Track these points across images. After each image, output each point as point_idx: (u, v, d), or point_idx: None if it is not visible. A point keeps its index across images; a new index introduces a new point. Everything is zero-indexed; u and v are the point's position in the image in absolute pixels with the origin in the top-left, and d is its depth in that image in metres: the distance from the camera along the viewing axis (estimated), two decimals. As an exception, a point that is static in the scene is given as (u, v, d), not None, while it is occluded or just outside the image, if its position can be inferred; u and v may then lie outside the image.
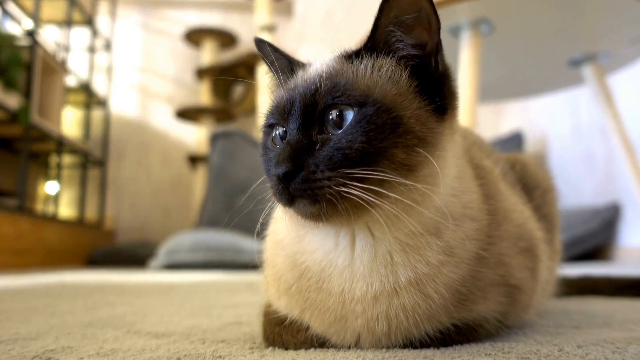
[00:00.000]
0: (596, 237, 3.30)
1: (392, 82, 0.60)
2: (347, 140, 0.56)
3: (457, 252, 0.61)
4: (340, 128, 0.57)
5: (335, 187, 0.54)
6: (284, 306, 0.67)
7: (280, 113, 0.62)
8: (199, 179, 4.56)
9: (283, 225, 0.67)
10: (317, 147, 0.57)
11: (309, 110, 0.59)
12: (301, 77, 0.64)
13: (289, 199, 0.56)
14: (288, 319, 0.66)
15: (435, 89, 0.60)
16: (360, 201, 0.54)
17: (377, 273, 0.59)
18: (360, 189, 0.54)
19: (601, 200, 3.49)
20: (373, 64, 0.61)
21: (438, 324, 0.62)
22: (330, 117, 0.58)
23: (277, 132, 0.63)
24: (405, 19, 0.59)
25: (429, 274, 0.59)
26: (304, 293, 0.63)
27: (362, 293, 0.60)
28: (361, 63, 0.61)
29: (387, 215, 0.56)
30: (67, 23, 4.15)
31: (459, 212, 0.62)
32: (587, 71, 2.25)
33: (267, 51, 0.69)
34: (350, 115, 0.57)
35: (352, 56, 0.63)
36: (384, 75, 0.60)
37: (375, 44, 0.62)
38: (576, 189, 3.76)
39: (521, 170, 0.92)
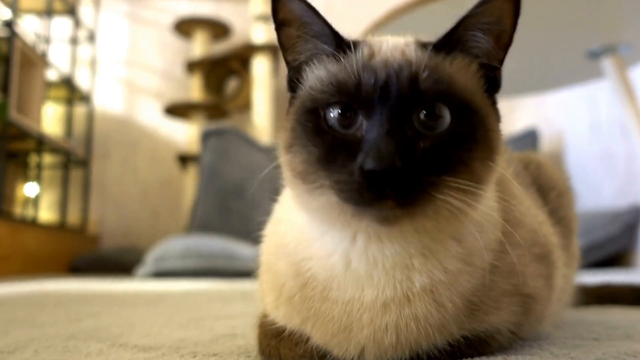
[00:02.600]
0: (616, 242, 3.30)
1: (479, 87, 0.63)
2: (449, 144, 0.57)
3: (475, 260, 0.62)
4: (432, 127, 0.57)
5: (434, 194, 0.55)
6: (282, 316, 0.67)
7: (357, 95, 0.58)
8: (190, 180, 4.56)
9: (290, 227, 0.66)
10: (420, 147, 0.56)
11: (405, 100, 0.57)
12: (380, 57, 0.61)
13: (376, 198, 0.54)
14: (287, 331, 0.66)
15: (493, 103, 0.65)
16: (450, 211, 0.56)
17: (392, 278, 0.60)
18: (459, 199, 0.55)
19: (622, 203, 3.49)
20: (461, 63, 0.62)
21: (448, 335, 0.62)
22: (428, 113, 0.57)
23: (351, 116, 0.58)
24: (489, 28, 0.62)
25: (445, 282, 0.60)
26: (308, 302, 0.63)
27: (372, 300, 0.60)
28: (447, 58, 0.61)
29: (445, 222, 0.59)
30: (48, 13, 4.15)
31: (484, 219, 0.64)
32: (607, 64, 2.26)
33: (299, 7, 0.62)
34: (447, 115, 0.58)
35: (431, 48, 0.62)
36: (473, 78, 0.63)
37: (455, 43, 0.62)
38: (595, 191, 3.77)
39: (536, 171, 0.92)
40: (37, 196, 4.17)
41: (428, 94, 0.58)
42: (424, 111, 0.57)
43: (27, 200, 4.24)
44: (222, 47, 4.89)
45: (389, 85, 0.57)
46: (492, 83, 0.64)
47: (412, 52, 0.61)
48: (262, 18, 4.47)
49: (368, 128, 0.57)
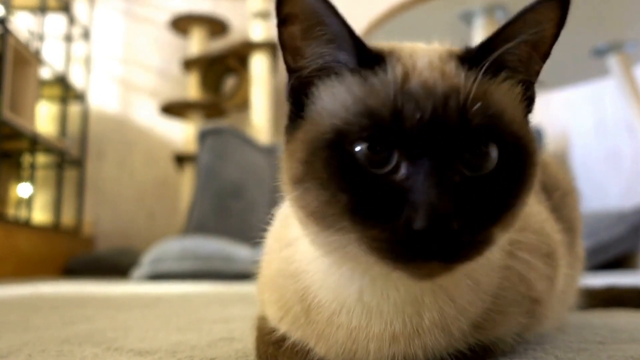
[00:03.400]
0: (622, 243, 3.30)
1: (523, 113, 0.57)
2: (496, 189, 0.51)
3: (483, 286, 0.61)
4: (478, 169, 0.50)
5: (483, 249, 0.50)
6: (284, 329, 0.65)
7: (395, 130, 0.49)
8: (187, 181, 4.56)
9: (298, 255, 0.62)
10: (470, 197, 0.49)
11: (453, 140, 0.49)
12: (418, 80, 0.51)
13: (422, 259, 0.48)
14: (289, 341, 0.65)
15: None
16: (473, 259, 0.51)
17: (402, 312, 0.57)
18: (490, 247, 0.51)
19: (628, 203, 3.49)
20: (507, 86, 0.55)
21: (454, 351, 0.62)
22: (475, 153, 0.50)
23: (382, 153, 0.50)
24: (530, 38, 0.55)
25: (454, 315, 0.59)
26: (313, 325, 0.61)
27: (380, 331, 0.58)
28: (494, 80, 0.54)
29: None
30: (42, 9, 4.15)
31: None
32: (613, 62, 2.26)
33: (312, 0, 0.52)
34: (495, 153, 0.51)
35: (477, 68, 0.53)
36: (518, 103, 0.56)
37: (499, 60, 0.54)
38: (600, 191, 3.77)
39: (539, 170, 0.92)
40: (31, 197, 4.17)
41: (479, 131, 0.50)
42: (472, 151, 0.50)
43: (20, 201, 4.24)
44: (219, 45, 4.89)
45: (437, 122, 0.49)
46: (528, 102, 0.58)
47: (455, 73, 0.52)
48: (260, 15, 4.47)
49: (411, 174, 0.49)
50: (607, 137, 3.70)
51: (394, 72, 0.52)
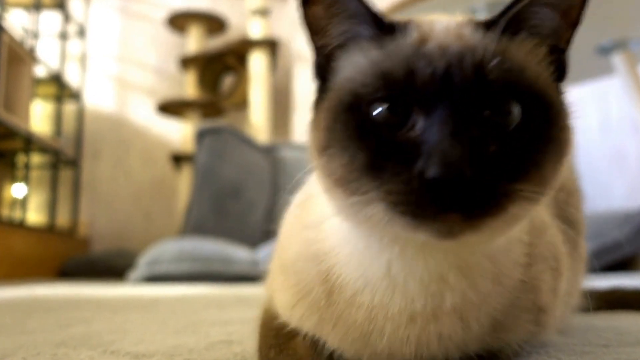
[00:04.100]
0: (628, 244, 3.29)
1: (549, 75, 0.57)
2: (520, 145, 0.51)
3: (505, 280, 0.60)
4: (500, 125, 0.51)
5: (507, 206, 0.49)
6: (298, 317, 0.64)
7: (410, 88, 0.51)
8: (184, 181, 4.56)
9: (325, 234, 0.62)
10: (489, 149, 0.49)
11: (470, 94, 0.50)
12: (435, 42, 0.53)
13: (440, 211, 0.48)
14: (300, 335, 0.64)
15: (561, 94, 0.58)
16: (511, 225, 0.52)
17: (426, 290, 0.57)
18: (526, 211, 0.51)
19: (634, 203, 3.49)
20: (529, 46, 0.56)
21: (465, 352, 0.61)
22: (496, 109, 0.51)
23: (401, 114, 0.51)
24: (557, 2, 0.55)
25: (475, 303, 0.58)
26: (332, 307, 0.61)
27: (399, 310, 0.58)
28: (514, 40, 0.55)
29: (498, 236, 0.56)
30: (36, 6, 4.15)
31: (514, 234, 0.61)
32: (618, 60, 2.26)
33: None
34: (517, 110, 0.51)
35: (495, 29, 0.54)
36: (543, 65, 0.56)
37: (519, 22, 0.55)
38: (605, 191, 3.77)
39: None
40: (25, 197, 4.17)
41: (497, 86, 0.51)
42: (491, 107, 0.51)
43: (14, 202, 4.24)
44: (217, 43, 4.89)
45: (451, 76, 0.50)
46: (559, 70, 0.58)
47: (472, 35, 0.54)
48: (259, 12, 4.47)
49: (426, 127, 0.50)
50: (611, 137, 3.70)
51: (410, 37, 0.54)
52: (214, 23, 4.83)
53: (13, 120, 3.54)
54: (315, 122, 0.57)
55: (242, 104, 4.73)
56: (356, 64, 0.56)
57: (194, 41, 4.75)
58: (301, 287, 0.64)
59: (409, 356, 0.60)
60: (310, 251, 0.64)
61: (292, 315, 0.65)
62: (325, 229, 0.63)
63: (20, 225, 3.76)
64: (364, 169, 0.51)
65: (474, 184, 0.47)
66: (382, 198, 0.49)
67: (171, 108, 4.69)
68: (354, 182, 0.51)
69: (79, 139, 4.78)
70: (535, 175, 0.51)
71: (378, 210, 0.50)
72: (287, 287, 0.66)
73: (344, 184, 0.52)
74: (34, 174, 4.52)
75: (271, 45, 4.42)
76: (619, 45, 2.19)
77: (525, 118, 0.51)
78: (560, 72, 0.58)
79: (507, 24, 0.54)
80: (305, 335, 0.64)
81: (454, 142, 0.47)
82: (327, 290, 0.61)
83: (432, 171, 0.46)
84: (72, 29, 4.73)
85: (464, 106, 0.50)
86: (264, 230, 3.55)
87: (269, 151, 4.07)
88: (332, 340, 0.62)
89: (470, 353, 0.62)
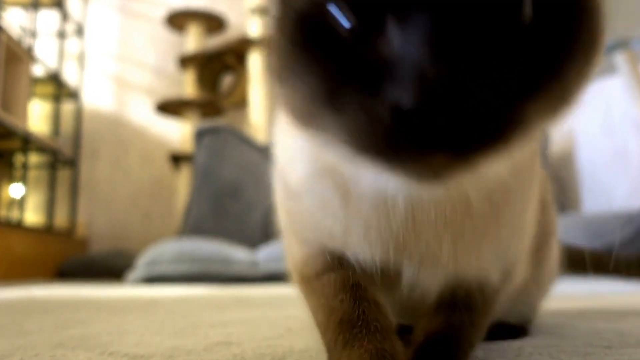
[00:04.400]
0: (631, 245, 3.30)
1: None
2: (532, 45, 0.36)
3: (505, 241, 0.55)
4: (504, 20, 0.35)
5: (507, 131, 0.36)
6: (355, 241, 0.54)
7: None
8: (183, 181, 4.56)
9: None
10: (485, 56, 0.35)
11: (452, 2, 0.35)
12: None
13: (418, 151, 0.35)
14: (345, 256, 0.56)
15: None
16: (497, 148, 0.39)
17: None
18: (522, 136, 0.38)
19: (636, 203, 3.49)
20: None
21: (486, 277, 0.57)
22: (483, 19, 0.35)
23: (369, 22, 0.36)
24: None
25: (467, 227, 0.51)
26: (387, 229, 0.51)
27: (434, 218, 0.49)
28: None
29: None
30: (34, 5, 4.14)
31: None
32: (620, 59, 2.26)
33: None
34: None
35: None
36: None
37: None
38: (608, 191, 3.77)
39: None
40: (23, 198, 4.17)
41: None
42: (483, 16, 0.35)
43: (12, 202, 4.24)
44: (216, 42, 4.89)
45: None
46: None
47: None
48: (258, 11, 4.47)
49: (404, 39, 0.35)
50: (614, 137, 3.70)
51: None
52: (213, 22, 4.83)
53: (10, 119, 3.54)
54: (269, 45, 0.44)
55: (241, 104, 4.73)
56: None
57: (193, 40, 4.75)
58: (358, 219, 0.53)
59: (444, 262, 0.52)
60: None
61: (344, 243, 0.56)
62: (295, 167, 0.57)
63: (18, 226, 3.76)
64: (323, 97, 0.38)
65: (464, 111, 0.34)
66: (341, 133, 0.38)
67: (170, 107, 4.69)
68: (316, 118, 0.39)
69: (77, 138, 4.78)
70: (554, 86, 0.38)
71: (340, 149, 0.39)
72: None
73: (305, 120, 0.41)
74: (32, 174, 4.52)
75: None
76: (621, 44, 2.19)
77: (538, 16, 0.37)
78: None
79: None
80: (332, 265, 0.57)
81: (436, 55, 0.34)
82: (381, 213, 0.51)
83: (407, 99, 0.33)
84: (70, 27, 4.73)
85: (451, 7, 0.35)
86: (263, 231, 3.56)
87: (268, 151, 4.07)
88: (372, 252, 0.53)
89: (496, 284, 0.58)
